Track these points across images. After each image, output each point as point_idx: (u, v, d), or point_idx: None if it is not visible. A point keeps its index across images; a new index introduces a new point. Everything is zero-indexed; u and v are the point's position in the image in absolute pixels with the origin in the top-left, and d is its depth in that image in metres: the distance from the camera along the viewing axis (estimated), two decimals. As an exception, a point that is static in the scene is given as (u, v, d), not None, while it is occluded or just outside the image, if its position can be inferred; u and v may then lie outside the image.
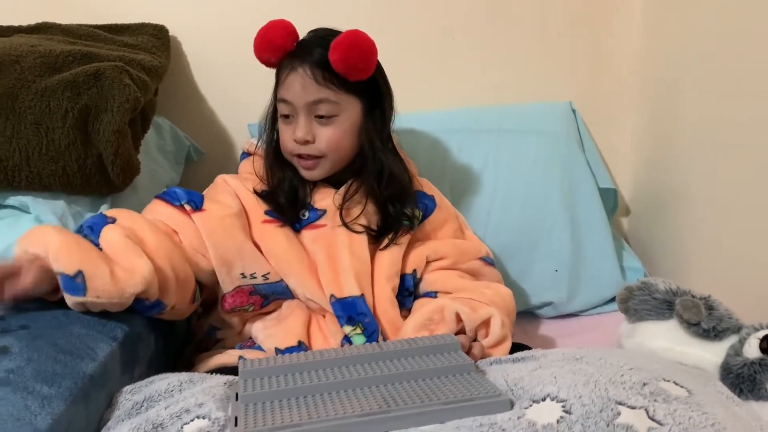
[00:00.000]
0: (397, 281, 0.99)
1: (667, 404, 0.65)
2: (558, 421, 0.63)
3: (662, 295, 0.96)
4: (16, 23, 1.28)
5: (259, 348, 0.99)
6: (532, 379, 0.71)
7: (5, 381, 0.68)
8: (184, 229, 0.95)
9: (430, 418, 0.66)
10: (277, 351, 0.96)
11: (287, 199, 1.00)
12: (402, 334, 0.93)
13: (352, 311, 0.94)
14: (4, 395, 0.66)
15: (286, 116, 0.99)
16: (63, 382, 0.72)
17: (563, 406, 0.65)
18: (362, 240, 0.99)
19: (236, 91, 1.42)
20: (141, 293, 0.85)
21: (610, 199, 1.40)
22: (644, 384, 0.69)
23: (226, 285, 0.97)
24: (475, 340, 0.91)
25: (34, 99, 0.98)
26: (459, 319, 0.92)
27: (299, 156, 0.99)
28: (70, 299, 0.82)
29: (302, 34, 1.01)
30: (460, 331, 0.92)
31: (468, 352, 0.87)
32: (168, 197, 0.98)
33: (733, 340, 0.87)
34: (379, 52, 0.98)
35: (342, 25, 1.01)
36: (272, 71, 1.03)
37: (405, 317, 0.99)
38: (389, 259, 0.99)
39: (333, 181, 1.03)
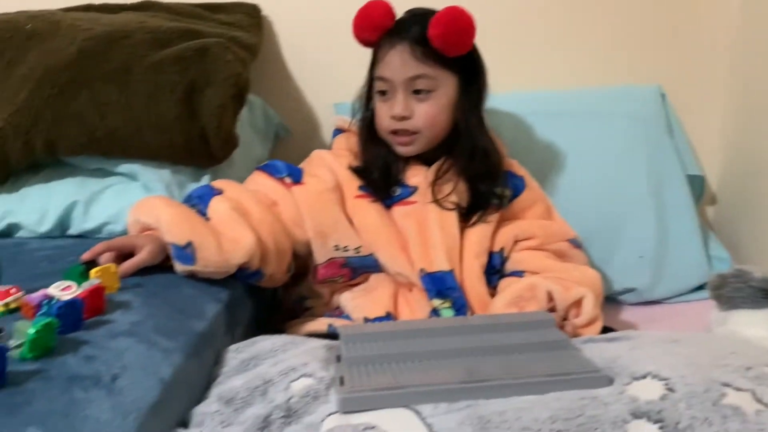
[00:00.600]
0: (485, 259, 1.01)
1: (774, 388, 0.65)
2: (662, 398, 0.64)
3: (758, 283, 0.93)
4: (121, 0, 1.34)
5: (347, 317, 1.03)
6: (630, 357, 0.72)
7: (130, 332, 0.73)
8: (283, 201, 0.99)
9: (529, 389, 0.68)
10: (366, 321, 0.99)
11: (380, 175, 1.03)
12: (491, 311, 0.95)
13: (441, 285, 0.96)
14: (130, 345, 0.71)
15: (383, 94, 1.02)
16: (179, 337, 0.76)
17: (666, 384, 0.65)
18: (452, 217, 1.01)
19: (324, 70, 1.45)
20: (244, 263, 0.89)
21: (697, 187, 1.37)
22: (748, 368, 0.68)
23: (320, 256, 1.01)
24: (564, 319, 0.92)
25: (145, 72, 1.04)
26: (550, 298, 0.93)
27: (395, 133, 1.01)
28: (179, 267, 0.87)
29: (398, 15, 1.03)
30: (550, 310, 0.93)
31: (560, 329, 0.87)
32: (270, 170, 1.03)
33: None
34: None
35: (431, 5, 1.02)
36: (360, 52, 1.06)
37: (490, 295, 1.00)
38: (478, 236, 1.01)
39: (425, 158, 1.05)
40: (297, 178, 1.01)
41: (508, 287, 0.98)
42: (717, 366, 0.68)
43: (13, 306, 0.75)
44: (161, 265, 0.90)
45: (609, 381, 0.68)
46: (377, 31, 1.00)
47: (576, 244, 1.09)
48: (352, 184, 1.03)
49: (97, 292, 0.75)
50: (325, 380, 0.72)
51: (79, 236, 1.09)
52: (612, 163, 1.29)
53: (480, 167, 1.02)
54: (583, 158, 1.30)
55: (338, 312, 1.06)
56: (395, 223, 1.02)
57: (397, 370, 0.72)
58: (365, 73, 1.08)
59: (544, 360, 0.73)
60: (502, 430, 0.62)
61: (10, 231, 1.10)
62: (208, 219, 0.92)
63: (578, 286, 0.94)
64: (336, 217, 1.00)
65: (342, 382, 0.70)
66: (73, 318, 0.70)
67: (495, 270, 1.04)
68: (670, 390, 0.65)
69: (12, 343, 0.65)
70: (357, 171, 1.04)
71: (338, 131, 1.14)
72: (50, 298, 0.73)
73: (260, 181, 1.02)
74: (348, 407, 0.66)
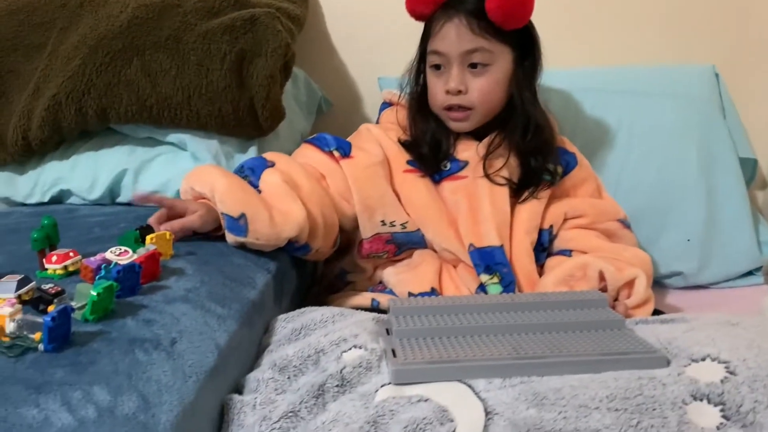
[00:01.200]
0: (535, 235, 1.00)
1: (840, 374, 0.63)
2: (722, 381, 0.62)
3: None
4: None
5: (390, 292, 1.03)
6: (687, 339, 0.70)
7: (185, 298, 0.74)
8: (332, 174, 0.99)
9: (585, 367, 0.67)
10: (410, 295, 0.98)
11: (430, 150, 1.02)
12: (541, 288, 0.94)
13: (490, 260, 0.95)
14: (186, 311, 0.71)
15: (437, 68, 1.00)
16: (233, 304, 0.77)
17: (726, 367, 0.64)
18: (503, 192, 0.99)
19: (368, 44, 1.44)
20: (293, 237, 0.90)
21: (748, 170, 1.34)
22: (811, 353, 0.67)
23: (366, 231, 1.01)
24: (615, 299, 0.91)
25: (196, 41, 1.04)
26: (601, 277, 0.91)
27: (449, 108, 1.00)
28: (231, 238, 0.88)
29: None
30: (601, 290, 0.91)
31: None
32: (318, 143, 1.02)
33: None
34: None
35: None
36: (405, 25, 1.05)
37: (538, 272, 0.99)
38: (529, 212, 1.00)
39: (476, 132, 1.04)
40: (346, 151, 1.01)
41: (559, 265, 0.97)
42: (779, 350, 0.67)
43: (71, 269, 0.77)
44: (211, 235, 0.90)
45: (666, 362, 0.67)
46: (431, 4, 0.98)
47: (626, 224, 1.07)
48: (400, 159, 1.03)
49: (153, 257, 0.75)
50: (376, 352, 0.72)
51: (128, 204, 1.11)
52: (663, 143, 1.26)
53: (532, 143, 1.01)
54: (633, 137, 1.27)
55: (381, 287, 1.06)
56: (443, 199, 1.02)
57: (448, 344, 0.72)
58: (410, 47, 1.06)
59: (597, 339, 0.72)
60: (558, 407, 0.62)
61: (61, 197, 1.13)
62: (259, 191, 0.92)
63: (631, 267, 0.93)
64: (383, 192, 0.99)
65: (394, 354, 0.70)
66: (131, 282, 0.71)
67: (543, 247, 1.03)
68: (732, 373, 0.63)
69: (74, 304, 0.66)
70: (406, 145, 1.03)
71: (386, 105, 1.13)
72: (108, 262, 0.74)
73: (309, 154, 1.02)
74: (401, 379, 0.67)
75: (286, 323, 0.84)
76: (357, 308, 0.98)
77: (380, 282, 1.06)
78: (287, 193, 0.91)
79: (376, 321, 0.81)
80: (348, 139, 1.06)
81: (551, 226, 1.02)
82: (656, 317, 0.83)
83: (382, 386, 0.67)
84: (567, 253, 1.02)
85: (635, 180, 1.26)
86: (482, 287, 0.96)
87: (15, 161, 1.13)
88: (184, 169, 1.00)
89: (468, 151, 1.02)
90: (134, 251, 0.77)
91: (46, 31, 1.12)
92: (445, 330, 0.75)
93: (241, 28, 1.05)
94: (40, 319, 0.60)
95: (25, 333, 0.61)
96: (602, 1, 1.39)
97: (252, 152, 1.11)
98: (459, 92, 0.98)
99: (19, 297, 0.67)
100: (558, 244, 1.03)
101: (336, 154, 1.01)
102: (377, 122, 1.13)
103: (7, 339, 0.60)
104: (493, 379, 0.66)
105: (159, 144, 1.11)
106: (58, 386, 0.55)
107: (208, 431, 0.65)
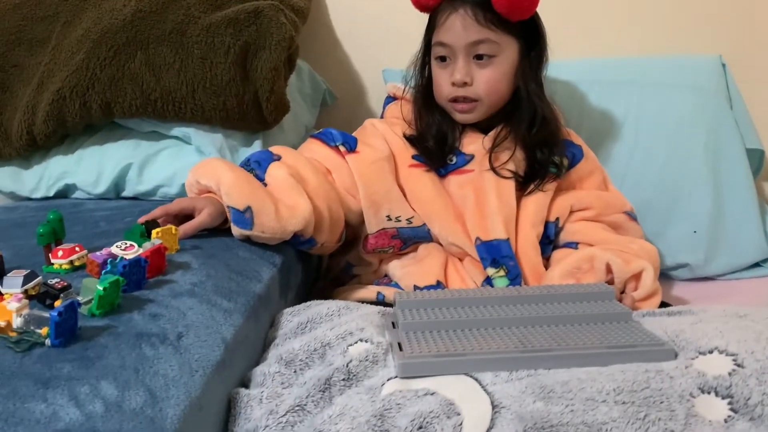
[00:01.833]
0: (541, 228, 0.99)
1: None
2: (730, 374, 0.62)
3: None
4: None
5: (396, 285, 1.03)
6: (695, 331, 0.70)
7: (192, 293, 0.74)
8: (338, 169, 0.99)
9: (592, 360, 0.67)
10: (416, 288, 0.98)
11: (436, 143, 1.01)
12: (547, 281, 0.94)
13: (496, 254, 0.95)
14: (192, 305, 0.72)
15: (443, 60, 1.00)
16: (238, 298, 0.77)
17: (734, 360, 0.64)
18: (509, 185, 0.99)
19: (372, 36, 1.43)
20: (299, 230, 0.90)
21: (755, 161, 1.32)
22: (819, 345, 0.66)
23: (372, 226, 1.01)
24: (622, 292, 0.90)
25: (200, 34, 1.03)
26: (608, 270, 0.91)
27: (454, 100, 1.00)
28: (237, 231, 0.88)
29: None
30: (608, 282, 0.91)
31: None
32: (324, 138, 1.02)
33: None
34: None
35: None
36: (409, 17, 1.03)
37: (544, 265, 0.99)
38: (535, 205, 0.99)
39: (481, 126, 1.03)
40: (351, 146, 1.01)
41: (566, 258, 0.96)
42: (787, 343, 0.66)
43: (77, 263, 0.77)
44: (216, 228, 0.90)
45: (674, 354, 0.67)
46: (437, -5, 0.98)
47: (632, 216, 1.06)
48: (405, 153, 1.02)
49: (159, 252, 0.75)
50: (382, 345, 0.72)
51: (134, 198, 1.11)
52: (669, 133, 1.25)
53: (539, 135, 1.00)
54: (640, 128, 1.26)
55: (386, 280, 1.06)
56: (449, 193, 1.01)
57: (455, 337, 0.72)
58: (415, 40, 1.06)
59: (604, 332, 0.72)
60: (565, 400, 0.61)
61: (66, 192, 1.13)
62: (265, 184, 0.92)
63: (638, 259, 0.92)
64: (389, 187, 0.99)
65: (400, 347, 0.70)
66: (137, 276, 0.72)
67: (549, 240, 1.02)
68: (739, 366, 0.63)
69: (80, 299, 0.66)
70: (412, 140, 1.02)
71: (390, 99, 1.12)
72: (114, 256, 0.74)
73: (314, 148, 1.02)
74: (408, 372, 0.67)
75: (292, 317, 0.84)
76: (362, 301, 0.98)
77: (386, 275, 1.06)
78: (293, 186, 0.91)
79: (382, 314, 0.81)
80: (353, 134, 1.05)
81: (557, 219, 1.02)
82: (663, 309, 0.82)
83: (388, 380, 0.67)
84: (573, 245, 1.01)
85: (642, 171, 1.25)
86: (488, 280, 0.96)
87: (20, 156, 1.13)
88: (189, 163, 1.00)
89: (474, 144, 1.02)
90: (140, 245, 0.77)
91: (49, 25, 1.12)
92: (452, 323, 0.74)
93: (245, 21, 1.04)
94: (46, 314, 0.60)
95: (32, 328, 0.61)
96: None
97: (257, 146, 1.11)
98: (464, 84, 0.97)
99: (25, 292, 0.67)
100: (564, 237, 1.03)
101: (342, 149, 1.01)
102: (381, 117, 1.12)
103: (14, 334, 0.60)
104: (499, 373, 0.66)
105: (163, 138, 1.11)
106: (66, 381, 0.55)
107: (215, 425, 0.65)
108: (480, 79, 0.97)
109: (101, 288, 0.64)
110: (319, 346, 0.73)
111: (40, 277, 0.70)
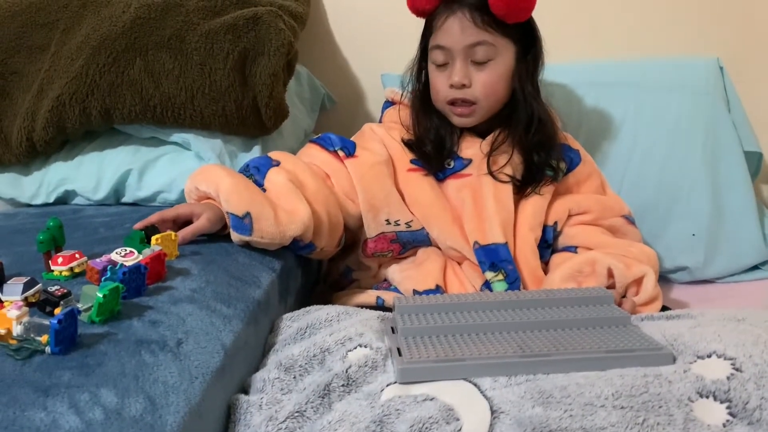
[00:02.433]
0: (539, 232, 0.99)
1: None
2: (729, 378, 0.62)
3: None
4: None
5: (395, 290, 1.03)
6: (693, 335, 0.70)
7: (191, 299, 0.74)
8: (336, 174, 0.99)
9: (590, 364, 0.67)
10: (415, 292, 0.99)
11: (434, 148, 1.01)
12: (548, 285, 0.94)
13: (495, 258, 0.95)
14: (192, 311, 0.72)
15: (441, 64, 1.00)
16: (238, 304, 0.77)
17: (732, 364, 0.64)
18: (507, 189, 0.99)
19: (370, 41, 1.44)
20: (298, 236, 0.90)
21: (753, 163, 1.33)
22: (817, 348, 0.66)
23: (371, 230, 1.01)
24: (623, 296, 0.90)
25: (199, 41, 1.04)
26: (609, 274, 0.91)
27: (452, 103, 1.00)
28: (236, 237, 0.88)
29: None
30: (609, 287, 0.91)
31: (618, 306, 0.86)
32: (323, 142, 1.02)
33: None
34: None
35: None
36: (407, 22, 1.04)
37: (542, 269, 0.99)
38: (533, 209, 1.00)
39: (479, 130, 1.03)
40: (350, 151, 1.01)
41: (567, 261, 0.96)
42: (785, 346, 0.66)
43: (77, 270, 0.77)
44: (216, 234, 0.91)
45: (672, 358, 0.67)
46: (434, 0, 0.98)
47: (630, 220, 1.07)
48: (403, 158, 1.03)
49: (158, 258, 0.76)
50: (381, 351, 0.72)
51: (133, 204, 1.11)
52: (667, 136, 1.26)
53: (536, 138, 1.01)
54: (638, 131, 1.27)
55: (386, 284, 1.06)
56: (448, 197, 1.01)
57: (454, 342, 0.72)
58: (413, 44, 1.06)
59: (603, 336, 0.72)
60: (564, 405, 0.62)
61: (66, 198, 1.13)
62: (264, 190, 0.92)
63: (640, 264, 0.93)
64: (388, 191, 0.99)
65: (399, 353, 0.70)
66: (136, 283, 0.72)
67: (547, 244, 1.02)
68: (738, 370, 0.63)
69: (80, 306, 0.66)
70: (410, 145, 1.03)
71: (388, 104, 1.12)
72: (114, 263, 0.74)
73: (313, 153, 1.02)
74: (407, 378, 0.67)
75: (291, 322, 0.84)
76: (362, 306, 0.98)
77: (385, 280, 1.06)
78: (292, 192, 0.91)
79: (381, 319, 0.81)
80: (351, 139, 1.06)
81: (555, 223, 1.02)
82: (662, 313, 0.82)
83: (387, 385, 0.67)
84: (572, 249, 1.02)
85: (640, 174, 1.25)
86: (487, 284, 0.96)
87: (20, 162, 1.13)
88: (189, 169, 1.00)
89: (471, 148, 1.02)
90: (139, 252, 0.77)
91: (49, 32, 1.13)
92: (451, 328, 0.75)
93: (243, 27, 1.05)
94: (46, 322, 0.60)
95: (32, 335, 0.61)
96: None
97: (256, 151, 1.11)
98: (463, 86, 0.98)
99: (25, 299, 0.68)
100: (563, 241, 1.03)
101: (341, 153, 1.01)
102: (380, 121, 1.13)
103: (14, 342, 0.61)
104: (498, 378, 0.66)
105: (163, 144, 1.11)
106: (66, 388, 0.55)
107: (215, 431, 0.66)
108: (478, 81, 0.98)
109: (101, 295, 0.65)
110: (318, 351, 0.74)
111: (40, 285, 0.70)
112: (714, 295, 1.19)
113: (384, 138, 1.04)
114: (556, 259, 1.01)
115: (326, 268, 1.18)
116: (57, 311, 0.64)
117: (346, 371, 0.69)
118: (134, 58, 1.05)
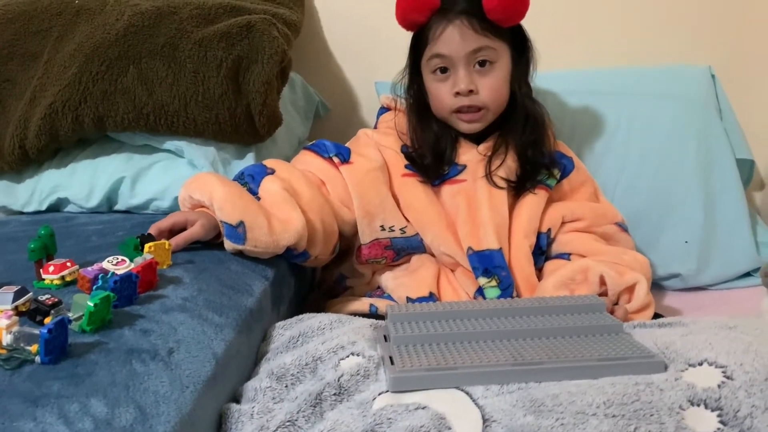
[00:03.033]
0: (534, 239, 1.00)
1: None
2: (720, 386, 0.62)
3: (812, 271, 0.91)
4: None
5: (389, 297, 1.03)
6: (685, 343, 0.70)
7: (183, 307, 0.74)
8: (332, 180, 0.99)
9: (582, 373, 0.67)
10: (408, 300, 0.99)
11: (433, 156, 1.02)
12: (540, 292, 0.94)
13: (488, 264, 0.96)
14: (183, 320, 0.72)
15: (443, 72, 1.00)
16: (230, 313, 0.77)
17: (723, 372, 0.64)
18: (502, 195, 1.00)
19: (364, 48, 1.44)
20: (292, 244, 0.90)
21: (746, 171, 1.33)
22: (808, 356, 0.66)
23: (365, 236, 1.01)
24: (615, 303, 0.91)
25: (192, 49, 1.04)
26: (602, 282, 0.91)
27: (459, 111, 1.00)
28: (229, 245, 0.88)
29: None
30: (602, 294, 0.91)
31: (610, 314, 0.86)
32: (318, 149, 1.02)
33: None
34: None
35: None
36: (402, 31, 1.04)
37: (536, 276, 1.00)
38: (527, 215, 1.00)
39: (475, 135, 1.04)
40: (345, 157, 1.01)
41: (560, 269, 0.97)
42: (776, 354, 0.67)
43: (69, 279, 0.77)
44: (210, 242, 0.90)
45: (664, 366, 0.67)
46: (426, 11, 0.98)
47: (623, 227, 1.07)
48: (398, 163, 1.03)
49: (150, 266, 0.75)
50: (374, 359, 0.72)
51: (126, 212, 1.11)
52: (660, 144, 1.26)
53: (531, 135, 1.02)
54: (629, 138, 1.27)
55: (379, 292, 1.06)
56: (442, 203, 1.02)
57: (446, 351, 0.72)
58: (406, 51, 1.06)
59: (595, 344, 0.72)
60: (555, 413, 0.61)
61: (59, 205, 1.13)
62: (258, 198, 0.92)
63: (632, 272, 0.93)
64: (383, 197, 0.99)
65: (392, 361, 0.70)
66: (128, 292, 0.72)
67: (541, 251, 1.03)
68: (729, 378, 0.63)
69: (71, 315, 0.66)
70: (410, 157, 1.03)
71: (384, 110, 1.13)
72: (105, 272, 0.74)
73: (308, 160, 1.02)
74: (400, 386, 0.67)
75: (283, 330, 0.84)
76: (355, 314, 0.98)
77: (378, 287, 1.06)
78: (287, 200, 0.91)
79: (374, 328, 0.81)
80: (346, 145, 1.06)
81: (549, 230, 1.02)
82: (654, 321, 0.82)
83: (379, 394, 0.67)
84: (566, 256, 1.02)
85: (634, 182, 1.26)
86: (480, 290, 0.96)
87: (12, 170, 1.13)
88: (182, 176, 1.00)
89: (466, 154, 1.03)
90: (132, 259, 0.77)
91: (42, 40, 1.13)
92: (443, 336, 0.74)
93: (237, 35, 1.05)
94: (36, 331, 0.60)
95: (21, 345, 0.61)
96: (598, 3, 1.39)
97: (250, 158, 1.11)
98: (470, 92, 0.98)
99: (15, 308, 0.67)
100: (556, 248, 1.04)
101: (335, 160, 1.01)
102: (375, 127, 1.13)
103: (3, 351, 0.60)
104: (490, 386, 0.66)
105: (156, 151, 1.11)
106: (55, 399, 0.55)
107: (206, 441, 0.66)
108: (483, 86, 0.98)
109: (92, 304, 0.64)
110: (310, 360, 0.73)
111: (30, 294, 0.70)
112: (707, 302, 1.20)
113: (379, 143, 1.05)
114: (549, 266, 1.01)
115: (320, 275, 1.18)
116: (47, 320, 0.64)
117: (338, 380, 0.69)
118: (127, 65, 1.05)
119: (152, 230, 0.86)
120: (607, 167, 1.26)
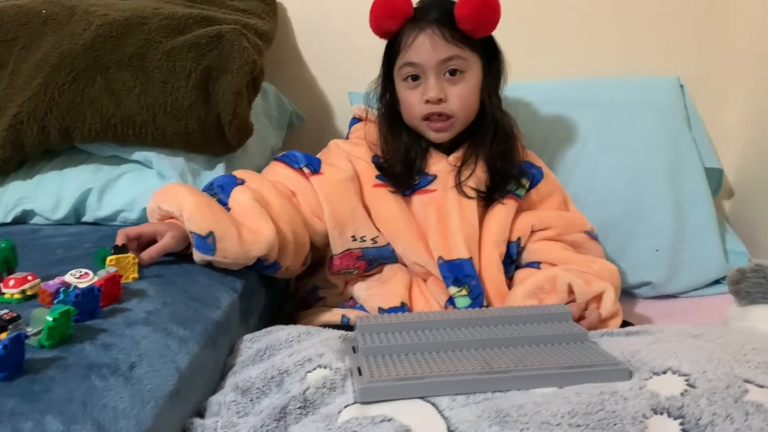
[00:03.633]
0: (504, 248, 1.00)
1: (796, 385, 0.64)
2: (682, 394, 0.63)
3: (778, 278, 0.92)
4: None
5: (361, 308, 1.02)
6: (650, 352, 0.71)
7: (146, 321, 0.73)
8: (302, 191, 0.99)
9: (548, 381, 0.67)
10: (380, 310, 0.98)
11: (403, 166, 1.02)
12: (510, 302, 0.94)
13: (459, 273, 0.96)
14: (146, 334, 0.70)
15: (414, 80, 1.01)
16: (195, 326, 0.76)
17: (686, 380, 0.65)
18: (472, 205, 1.00)
19: (338, 58, 1.44)
20: (262, 255, 0.89)
21: (714, 180, 1.36)
22: (769, 364, 0.67)
23: (337, 247, 1.00)
24: (584, 309, 0.91)
25: (161, 59, 1.03)
26: (570, 290, 0.92)
27: (428, 119, 1.01)
28: (198, 256, 0.87)
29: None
30: (569, 303, 0.92)
31: (577, 322, 0.86)
32: (288, 160, 1.02)
33: None
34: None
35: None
36: (376, 41, 1.05)
37: (506, 285, 1.00)
38: (497, 225, 1.00)
39: (445, 146, 1.04)
40: (315, 168, 1.01)
41: (528, 278, 0.97)
42: (738, 362, 0.67)
43: (29, 293, 0.75)
44: (178, 254, 0.89)
45: (629, 374, 0.67)
46: (398, 19, 0.99)
47: (592, 235, 1.08)
48: (369, 173, 1.03)
49: (113, 280, 0.74)
50: (341, 371, 0.71)
51: (94, 223, 1.10)
52: (629, 153, 1.28)
53: (501, 146, 1.03)
54: (600, 148, 1.29)
55: (352, 302, 1.05)
56: (413, 212, 1.02)
57: (414, 361, 0.71)
58: (380, 62, 1.06)
59: (562, 352, 0.72)
60: (520, 424, 0.61)
61: (24, 217, 1.11)
62: (228, 209, 0.91)
63: (600, 280, 0.94)
64: (354, 207, 0.99)
65: (360, 372, 0.70)
66: (90, 306, 0.70)
67: (511, 260, 1.03)
68: (691, 386, 0.64)
69: (30, 330, 0.65)
70: (380, 167, 1.03)
71: (356, 120, 1.13)
72: (67, 285, 0.73)
73: (279, 171, 1.02)
74: (367, 397, 0.66)
75: (251, 343, 0.83)
76: (327, 325, 0.97)
77: (351, 297, 1.06)
78: (257, 211, 0.91)
79: (343, 339, 0.80)
80: (317, 156, 1.05)
81: (519, 239, 1.03)
82: (621, 330, 0.83)
83: (345, 407, 0.66)
84: (535, 265, 1.02)
85: (604, 192, 1.27)
86: (451, 300, 0.96)
87: (-23, 181, 1.11)
88: (150, 188, 0.99)
89: (437, 164, 1.03)
90: (95, 273, 0.76)
91: (7, 50, 1.11)
92: (412, 347, 0.74)
93: (206, 45, 1.04)
94: (-8, 347, 0.59)
95: (-24, 361, 0.59)
96: (569, 14, 1.41)
97: (220, 169, 1.10)
98: (439, 101, 0.99)
99: (-28, 324, 0.66)
100: (526, 257, 1.04)
101: (306, 170, 1.01)
102: (347, 137, 1.13)
103: (-43, 368, 0.59)
104: (457, 397, 0.66)
105: (124, 162, 1.10)
106: (9, 417, 0.54)
107: (168, 457, 0.64)
108: (453, 95, 0.99)
109: (51, 318, 0.63)
110: (276, 373, 0.72)
111: (-12, 308, 0.68)
112: (677, 310, 1.21)
113: (350, 153, 1.05)
114: (519, 274, 1.02)
115: (293, 286, 1.17)
116: (3, 336, 0.62)
117: (304, 393, 0.68)
118: (95, 76, 1.04)
119: (119, 235, 0.85)
120: (579, 177, 1.28)
